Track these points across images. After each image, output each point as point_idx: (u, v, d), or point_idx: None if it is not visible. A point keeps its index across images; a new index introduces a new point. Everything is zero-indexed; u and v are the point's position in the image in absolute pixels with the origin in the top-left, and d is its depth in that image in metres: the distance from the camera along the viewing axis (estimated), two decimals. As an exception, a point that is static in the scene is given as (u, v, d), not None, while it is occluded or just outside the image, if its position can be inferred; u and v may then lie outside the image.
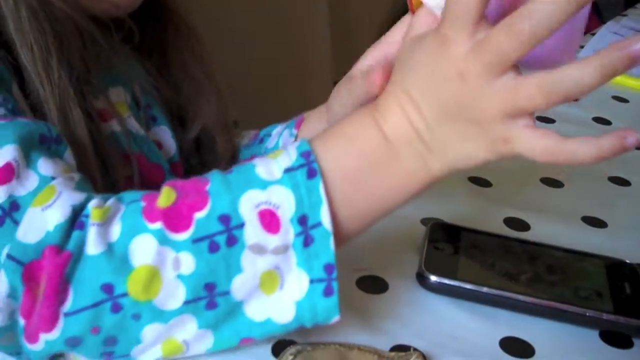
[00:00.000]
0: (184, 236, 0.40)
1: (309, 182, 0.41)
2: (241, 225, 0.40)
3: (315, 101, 0.65)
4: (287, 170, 0.41)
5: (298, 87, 1.23)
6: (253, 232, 0.40)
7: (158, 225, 0.40)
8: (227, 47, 1.07)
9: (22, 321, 0.40)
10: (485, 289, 0.52)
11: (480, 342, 0.49)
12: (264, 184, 0.41)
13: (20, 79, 0.48)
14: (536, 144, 0.39)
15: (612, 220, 0.66)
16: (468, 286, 0.52)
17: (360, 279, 0.54)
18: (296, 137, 0.65)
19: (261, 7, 1.17)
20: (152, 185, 0.46)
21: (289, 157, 0.42)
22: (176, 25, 0.63)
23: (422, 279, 0.53)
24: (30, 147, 0.43)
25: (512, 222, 0.64)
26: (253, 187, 0.41)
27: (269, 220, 0.40)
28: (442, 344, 0.48)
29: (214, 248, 0.40)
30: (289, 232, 0.41)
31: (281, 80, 1.20)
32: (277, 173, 0.41)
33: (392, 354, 0.46)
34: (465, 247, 0.57)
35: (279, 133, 0.68)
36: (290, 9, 1.24)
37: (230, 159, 0.66)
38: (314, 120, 0.64)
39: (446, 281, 0.53)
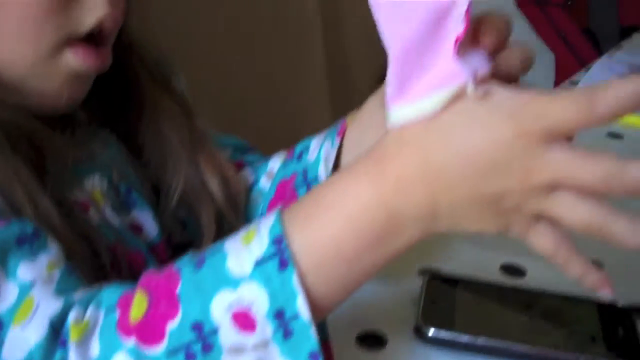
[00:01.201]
0: (158, 349, 0.39)
1: (281, 274, 0.39)
2: (215, 331, 0.39)
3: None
4: (258, 263, 0.40)
5: (296, 136, 1.25)
6: (228, 335, 0.39)
7: (132, 341, 0.39)
8: (224, 93, 1.09)
9: None
10: (481, 340, 0.53)
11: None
12: (234, 283, 0.40)
13: None
14: (548, 246, 0.43)
15: (607, 261, 0.67)
16: (465, 337, 0.54)
17: (359, 335, 0.56)
18: (340, 148, 0.60)
19: (258, 52, 1.19)
20: (135, 270, 0.47)
21: (260, 243, 0.40)
22: (141, 97, 0.61)
23: (420, 333, 0.55)
24: (7, 255, 0.43)
25: (508, 269, 0.65)
26: (224, 287, 0.40)
27: (244, 321, 0.39)
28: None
29: (190, 357, 0.39)
30: (266, 328, 0.39)
31: (278, 130, 1.22)
32: (248, 267, 0.40)
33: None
34: (462, 297, 0.58)
35: (319, 145, 0.62)
36: (287, 55, 1.26)
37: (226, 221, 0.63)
38: (357, 130, 0.59)
39: (444, 334, 0.54)
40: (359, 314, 0.57)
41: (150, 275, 0.42)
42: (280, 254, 0.39)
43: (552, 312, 0.57)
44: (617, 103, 0.36)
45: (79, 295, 0.43)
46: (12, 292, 0.42)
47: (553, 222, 0.40)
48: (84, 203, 0.54)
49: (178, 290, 0.40)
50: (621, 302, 0.59)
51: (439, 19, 0.38)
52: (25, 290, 0.42)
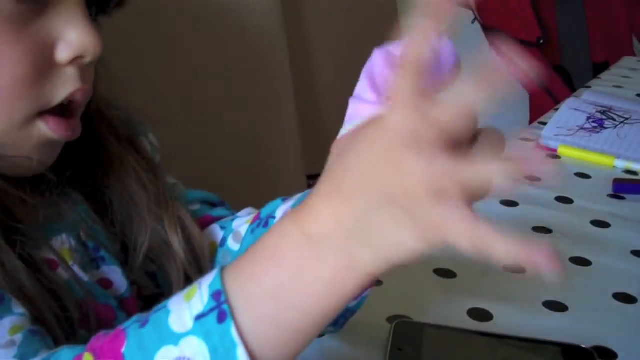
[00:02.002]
0: None
1: (220, 326, 0.40)
2: None
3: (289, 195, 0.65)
4: (198, 318, 0.40)
5: (270, 184, 1.26)
6: None
7: None
8: (193, 146, 1.10)
9: None
10: (446, 387, 0.55)
11: None
12: (176, 338, 0.40)
13: None
14: (463, 235, 0.37)
15: (572, 303, 0.69)
16: (430, 384, 0.55)
17: (327, 384, 0.57)
18: None
19: (226, 104, 1.20)
20: (105, 322, 0.48)
21: (201, 299, 0.41)
22: (107, 157, 0.62)
23: (386, 380, 0.56)
24: None
25: (475, 313, 0.66)
26: (166, 344, 0.40)
27: None
28: None
29: None
30: None
31: (253, 179, 1.23)
32: (189, 322, 0.40)
33: None
34: (428, 344, 0.60)
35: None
36: (257, 105, 1.27)
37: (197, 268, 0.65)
38: None
39: (409, 381, 0.55)
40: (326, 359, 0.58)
41: (99, 337, 0.43)
42: (219, 307, 0.40)
43: (517, 356, 0.58)
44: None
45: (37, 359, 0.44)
46: None
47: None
48: (53, 261, 0.55)
49: (123, 349, 0.41)
50: (585, 344, 0.61)
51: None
52: None
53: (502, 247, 0.36)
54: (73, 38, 0.52)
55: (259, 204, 0.71)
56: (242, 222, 0.67)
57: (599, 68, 1.94)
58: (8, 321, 0.46)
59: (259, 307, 0.40)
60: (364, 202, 0.39)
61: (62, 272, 0.54)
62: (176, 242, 0.62)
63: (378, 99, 0.46)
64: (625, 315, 0.69)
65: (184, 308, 0.41)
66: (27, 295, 0.50)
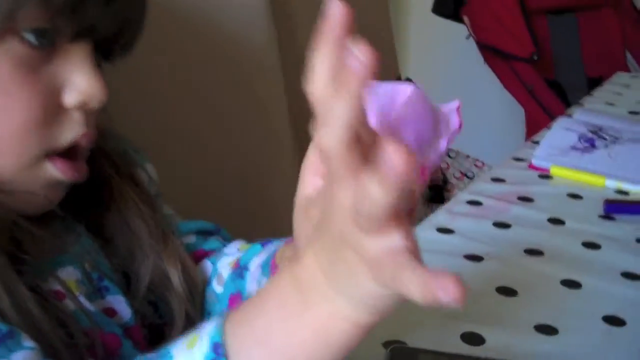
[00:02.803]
0: None
1: None
2: None
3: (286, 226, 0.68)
4: None
5: (265, 193, 1.28)
6: None
7: None
8: (180, 162, 1.12)
9: None
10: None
11: None
12: None
13: None
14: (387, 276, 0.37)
15: (563, 326, 0.71)
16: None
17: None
18: None
19: (214, 114, 1.22)
20: (111, 350, 0.50)
21: (200, 349, 0.43)
22: (108, 192, 0.65)
23: (381, 406, 0.58)
24: None
25: (468, 337, 0.68)
26: None
27: None
28: None
29: None
30: None
31: (246, 188, 1.25)
32: None
33: None
34: (422, 369, 0.61)
35: (256, 274, 0.67)
36: (249, 111, 1.29)
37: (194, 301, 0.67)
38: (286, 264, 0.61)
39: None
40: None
41: None
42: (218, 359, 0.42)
43: (507, 382, 0.60)
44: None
45: None
46: None
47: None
48: (59, 292, 0.57)
49: None
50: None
51: None
52: None
53: (412, 282, 0.35)
54: (80, 84, 0.55)
55: (257, 210, 0.72)
56: (226, 263, 0.70)
57: (593, 82, 1.97)
58: (19, 356, 0.48)
59: (255, 354, 0.42)
60: (329, 243, 0.39)
61: (68, 302, 0.57)
62: (175, 276, 0.64)
63: None
64: (615, 337, 0.70)
65: (187, 355, 0.43)
66: (36, 325, 0.52)
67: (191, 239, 0.71)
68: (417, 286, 0.35)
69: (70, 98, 0.55)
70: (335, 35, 0.35)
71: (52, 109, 0.55)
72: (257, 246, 0.69)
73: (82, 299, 0.59)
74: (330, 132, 0.35)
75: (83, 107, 0.56)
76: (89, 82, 0.55)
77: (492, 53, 2.13)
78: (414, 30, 2.47)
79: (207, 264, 0.70)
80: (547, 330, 0.70)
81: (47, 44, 0.53)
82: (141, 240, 0.64)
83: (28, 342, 0.49)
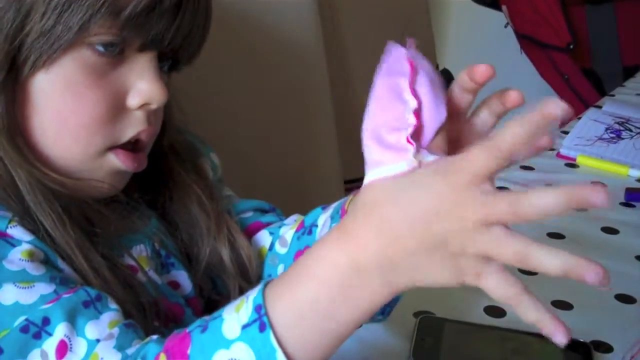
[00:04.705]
0: None
1: (261, 335, 0.47)
2: None
3: (327, 201, 0.73)
4: (244, 327, 0.48)
5: (309, 188, 1.34)
6: None
7: None
8: (234, 155, 1.19)
9: None
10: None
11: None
12: (228, 343, 0.48)
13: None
14: (499, 290, 0.45)
15: (577, 302, 0.78)
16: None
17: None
18: None
19: (265, 112, 1.27)
20: (176, 318, 0.58)
21: (246, 311, 0.48)
22: (172, 182, 0.73)
23: (410, 367, 0.66)
24: (77, 317, 0.54)
25: (490, 310, 0.76)
26: (220, 348, 0.48)
27: None
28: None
29: None
30: None
31: (290, 185, 1.31)
32: (237, 330, 0.48)
33: None
34: (448, 337, 0.69)
35: (327, 224, 0.71)
36: (297, 114, 1.33)
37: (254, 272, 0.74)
38: None
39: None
40: (361, 348, 0.68)
41: (171, 338, 0.52)
42: (259, 319, 0.48)
43: (522, 349, 0.68)
44: (513, 139, 0.43)
45: (131, 350, 0.53)
46: (82, 347, 0.54)
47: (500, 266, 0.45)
48: (133, 267, 0.66)
49: (189, 350, 0.50)
50: (585, 338, 0.70)
51: (393, 98, 0.48)
52: (92, 347, 0.53)
53: (550, 261, 0.43)
54: (143, 88, 0.62)
55: (299, 207, 0.80)
56: (288, 228, 0.77)
57: (629, 71, 1.99)
58: (107, 316, 0.56)
59: (294, 318, 0.48)
60: (417, 246, 0.45)
61: (140, 275, 0.66)
62: (227, 256, 0.72)
63: (399, 144, 0.47)
64: (624, 314, 0.78)
65: (234, 318, 0.49)
66: (112, 289, 0.60)
67: (249, 214, 0.80)
68: (533, 317, 0.46)
69: (134, 101, 0.62)
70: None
71: (116, 110, 0.62)
72: (318, 209, 0.75)
73: (151, 273, 0.68)
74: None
75: (145, 108, 0.63)
76: (151, 87, 0.62)
77: (529, 42, 2.16)
78: (454, 18, 2.51)
79: (265, 234, 0.78)
80: (563, 305, 0.78)
81: (116, 54, 0.60)
82: (201, 230, 0.72)
83: (113, 304, 0.57)
